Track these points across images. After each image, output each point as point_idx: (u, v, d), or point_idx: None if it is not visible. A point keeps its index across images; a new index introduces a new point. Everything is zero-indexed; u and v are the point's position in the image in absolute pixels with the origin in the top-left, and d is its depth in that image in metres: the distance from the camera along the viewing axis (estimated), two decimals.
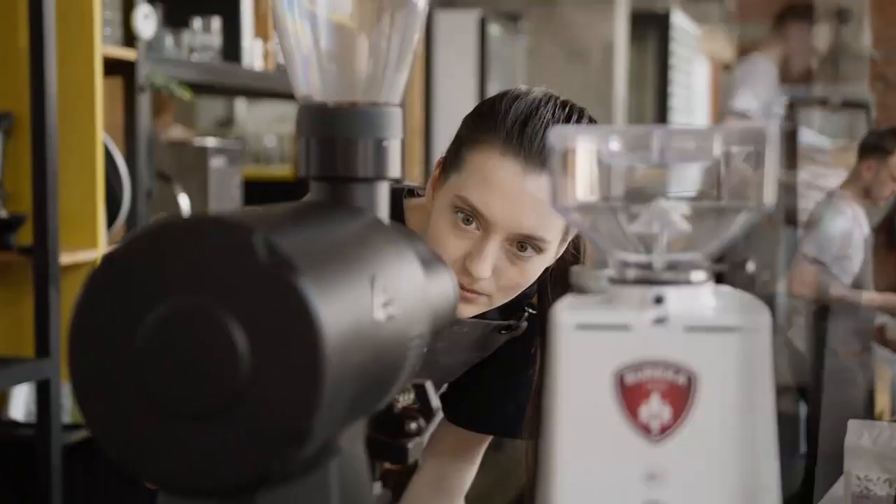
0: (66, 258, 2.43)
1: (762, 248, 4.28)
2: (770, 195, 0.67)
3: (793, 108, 4.44)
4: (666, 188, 0.72)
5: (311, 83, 0.79)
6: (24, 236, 2.41)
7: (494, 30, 5.50)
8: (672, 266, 0.70)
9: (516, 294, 1.32)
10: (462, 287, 1.26)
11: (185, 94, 2.71)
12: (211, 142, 3.19)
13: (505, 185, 1.23)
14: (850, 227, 4.41)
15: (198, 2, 3.05)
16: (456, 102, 5.09)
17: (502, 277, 1.27)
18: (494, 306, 1.32)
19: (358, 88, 0.79)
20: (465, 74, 5.34)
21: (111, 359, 0.62)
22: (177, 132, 4.27)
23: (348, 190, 0.78)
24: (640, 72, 7.40)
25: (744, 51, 9.77)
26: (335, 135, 0.77)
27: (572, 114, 1.28)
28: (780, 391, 5.18)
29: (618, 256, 0.70)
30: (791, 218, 4.73)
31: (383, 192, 0.79)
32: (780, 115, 4.55)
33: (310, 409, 0.60)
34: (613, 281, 0.70)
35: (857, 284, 4.37)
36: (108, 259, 0.62)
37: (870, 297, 4.61)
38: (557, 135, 0.69)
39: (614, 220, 0.71)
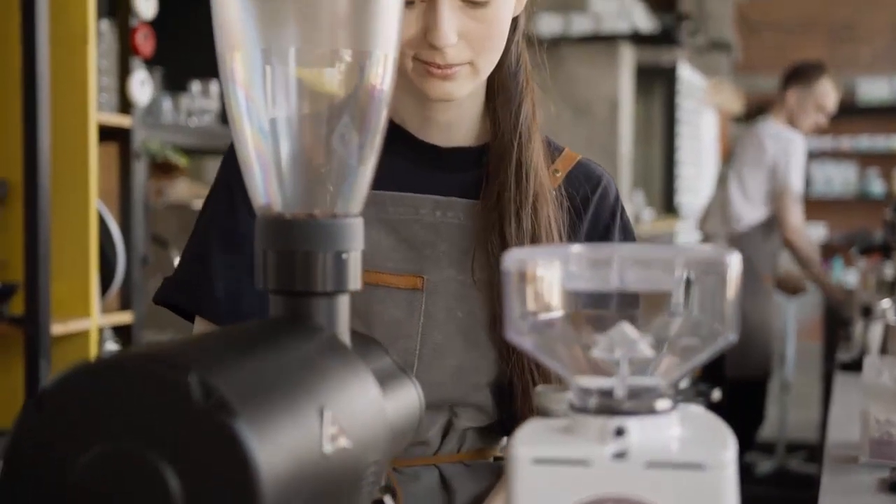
0: (58, 328, 2.40)
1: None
2: (732, 326, 0.64)
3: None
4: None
5: (269, 193, 0.77)
6: (16, 305, 2.39)
7: None
8: (635, 393, 0.67)
9: (498, 52, 1.20)
10: (437, 65, 1.17)
11: (181, 161, 2.70)
12: None
13: None
14: (805, 157, 4.42)
15: (197, 66, 3.04)
16: None
17: (471, 37, 1.17)
18: (483, 77, 1.21)
19: (317, 199, 0.77)
20: None
21: (41, 502, 0.59)
22: (182, 186, 4.26)
23: (307, 304, 0.75)
24: (647, 124, 7.39)
25: (751, 103, 9.80)
26: (293, 248, 0.75)
27: None
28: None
29: (578, 383, 0.68)
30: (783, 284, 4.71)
31: (343, 305, 0.76)
32: None
33: None
34: (574, 408, 0.67)
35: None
36: (40, 397, 0.59)
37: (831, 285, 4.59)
38: (513, 258, 0.67)
39: (574, 345, 0.68)
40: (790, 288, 4.75)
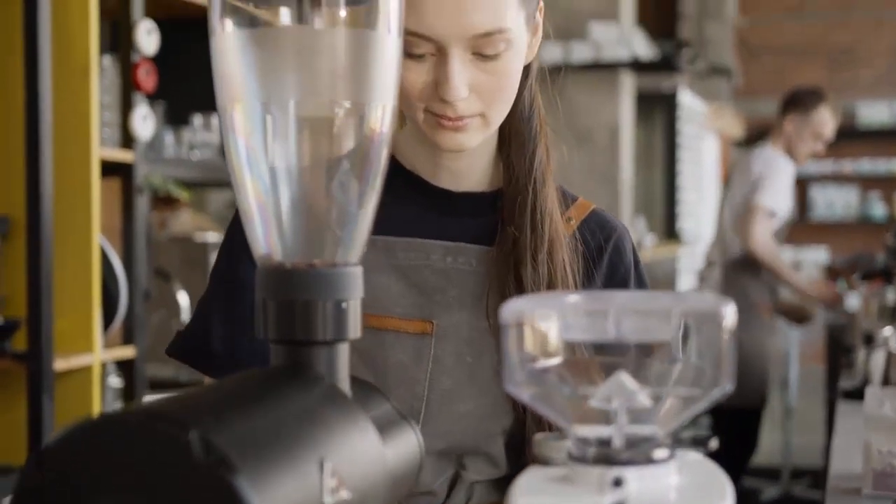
0: (60, 364, 2.41)
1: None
2: (729, 375, 0.65)
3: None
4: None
5: (269, 243, 0.77)
6: (19, 341, 2.40)
7: None
8: (632, 443, 0.67)
9: (509, 102, 1.19)
10: (448, 118, 1.16)
11: (183, 195, 2.71)
12: (212, 237, 3.19)
13: None
14: (791, 181, 4.34)
15: (198, 99, 3.06)
16: None
17: (482, 90, 1.16)
18: (494, 127, 1.20)
19: (317, 248, 0.77)
20: None
21: None
22: (185, 217, 4.28)
23: (307, 354, 0.76)
24: (648, 150, 7.42)
25: (752, 127, 9.82)
26: (293, 297, 0.75)
27: None
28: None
29: (576, 433, 0.68)
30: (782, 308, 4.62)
31: (343, 354, 0.77)
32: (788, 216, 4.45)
33: None
34: (572, 458, 0.68)
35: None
36: (42, 454, 0.60)
37: (807, 284, 4.47)
38: (511, 309, 0.68)
39: (572, 395, 0.68)
40: (795, 316, 4.71)
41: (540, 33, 1.25)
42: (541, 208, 1.23)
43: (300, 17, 0.85)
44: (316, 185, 0.78)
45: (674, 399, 0.68)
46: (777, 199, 4.26)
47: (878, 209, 10.08)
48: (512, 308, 0.68)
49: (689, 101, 7.64)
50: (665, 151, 7.47)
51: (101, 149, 2.55)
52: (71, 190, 2.48)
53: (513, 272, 1.21)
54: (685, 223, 7.70)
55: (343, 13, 0.77)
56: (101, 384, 2.61)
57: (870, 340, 3.09)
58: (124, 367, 2.80)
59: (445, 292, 1.23)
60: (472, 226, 1.26)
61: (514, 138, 1.26)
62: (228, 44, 0.76)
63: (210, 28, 0.77)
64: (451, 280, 1.23)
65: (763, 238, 4.22)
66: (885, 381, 2.75)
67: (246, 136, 0.77)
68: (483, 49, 1.14)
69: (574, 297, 0.69)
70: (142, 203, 2.68)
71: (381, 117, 0.78)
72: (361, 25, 0.76)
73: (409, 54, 1.13)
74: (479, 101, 1.16)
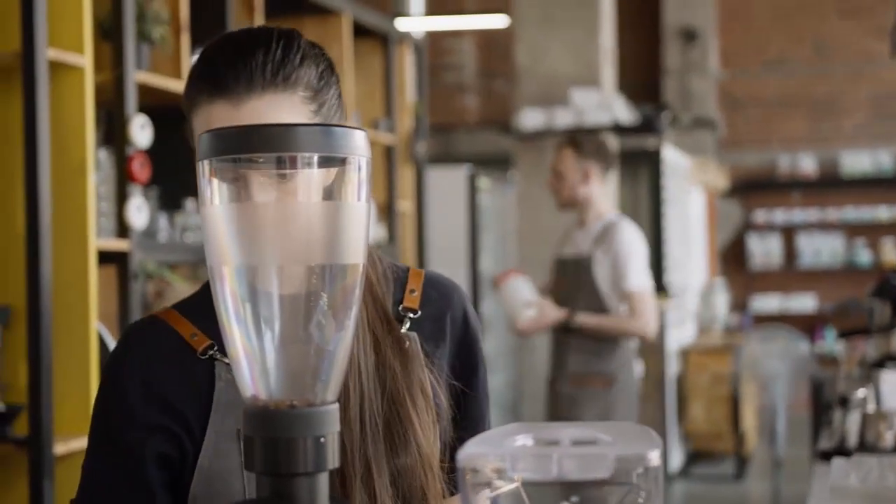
0: (60, 448, 2.49)
1: None
2: None
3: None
4: None
5: (255, 385, 0.88)
6: (20, 426, 2.49)
7: (484, 182, 5.65)
8: None
9: None
10: None
11: (176, 280, 2.81)
12: None
13: (224, 125, 1.19)
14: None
15: (192, 184, 3.16)
16: (450, 256, 5.23)
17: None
18: None
19: (297, 389, 0.88)
20: (457, 227, 5.48)
21: None
22: (181, 290, 4.36)
23: (290, 485, 0.86)
24: (634, 206, 7.52)
25: (737, 178, 9.96)
26: (277, 435, 0.86)
27: (263, 33, 1.23)
28: None
29: None
30: None
31: (323, 482, 0.87)
32: None
33: None
34: None
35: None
36: None
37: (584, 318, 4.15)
38: (466, 455, 0.78)
39: None
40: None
41: None
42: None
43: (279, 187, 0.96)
44: (296, 334, 0.88)
45: None
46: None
47: (864, 256, 10.22)
48: (466, 453, 0.78)
49: (672, 157, 7.77)
50: (650, 207, 7.58)
51: (98, 239, 2.66)
52: (69, 279, 2.58)
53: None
54: (672, 276, 7.80)
55: (317, 186, 0.88)
56: None
57: (845, 402, 3.16)
58: None
59: None
60: None
61: None
62: (216, 215, 0.87)
63: (200, 200, 0.88)
64: None
65: None
66: (861, 443, 2.83)
67: (233, 293, 0.87)
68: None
69: (522, 441, 0.79)
70: (137, 289, 2.78)
71: (354, 271, 0.89)
72: (333, 197, 0.87)
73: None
74: None
